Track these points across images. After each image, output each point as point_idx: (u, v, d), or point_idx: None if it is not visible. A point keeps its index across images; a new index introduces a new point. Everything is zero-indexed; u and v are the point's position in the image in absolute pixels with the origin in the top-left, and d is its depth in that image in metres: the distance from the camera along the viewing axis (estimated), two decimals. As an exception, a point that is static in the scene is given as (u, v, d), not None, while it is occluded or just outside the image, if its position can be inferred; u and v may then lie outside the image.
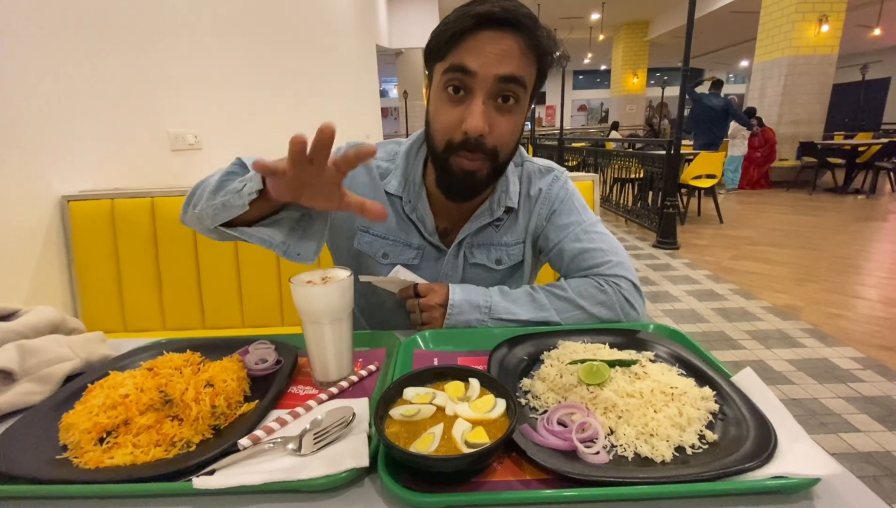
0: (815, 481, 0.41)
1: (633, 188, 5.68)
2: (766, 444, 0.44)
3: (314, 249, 0.69)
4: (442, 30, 0.71)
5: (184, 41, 2.00)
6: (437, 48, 0.72)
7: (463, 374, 0.54)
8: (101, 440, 0.49)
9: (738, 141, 6.83)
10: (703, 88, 6.35)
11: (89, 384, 0.55)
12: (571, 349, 0.63)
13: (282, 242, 0.67)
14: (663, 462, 0.45)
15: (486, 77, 0.68)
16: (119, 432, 0.49)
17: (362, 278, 0.79)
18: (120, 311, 1.45)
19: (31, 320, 0.67)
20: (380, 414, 0.47)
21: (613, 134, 10.08)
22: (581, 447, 0.45)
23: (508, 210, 0.88)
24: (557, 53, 0.75)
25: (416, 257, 0.87)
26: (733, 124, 6.59)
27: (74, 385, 0.59)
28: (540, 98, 20.66)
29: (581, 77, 21.63)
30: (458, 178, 0.75)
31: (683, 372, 0.58)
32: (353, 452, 0.45)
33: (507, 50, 0.69)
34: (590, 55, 15.49)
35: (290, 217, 0.69)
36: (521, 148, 0.93)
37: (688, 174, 5.23)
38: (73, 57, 1.44)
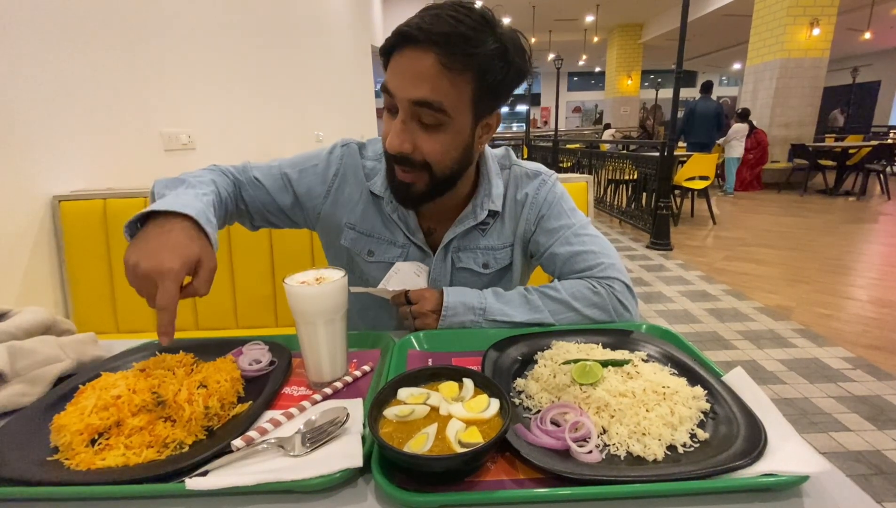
0: (804, 478, 0.41)
1: (626, 190, 5.71)
2: (756, 442, 0.44)
3: None
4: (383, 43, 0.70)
5: (177, 40, 1.99)
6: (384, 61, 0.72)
7: (457, 374, 0.54)
8: (93, 442, 0.48)
9: (734, 143, 6.88)
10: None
11: (81, 386, 0.54)
12: (565, 349, 0.63)
13: None
14: (655, 461, 0.45)
15: (402, 99, 0.68)
16: (111, 433, 0.49)
17: (353, 290, 0.78)
18: (112, 312, 1.44)
19: (21, 321, 0.67)
20: (374, 415, 0.47)
21: (606, 135, 10.14)
22: (574, 446, 0.46)
23: (493, 214, 0.87)
24: (518, 60, 0.69)
25: (401, 257, 0.87)
26: (733, 127, 6.66)
27: (66, 387, 0.59)
28: (534, 99, 20.73)
29: (576, 79, 21.71)
30: (397, 187, 0.77)
31: (675, 372, 0.59)
32: (346, 452, 0.45)
33: (423, 71, 0.65)
34: (584, 57, 15.58)
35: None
36: (510, 151, 0.93)
37: (681, 176, 5.27)
38: (65, 55, 1.43)
